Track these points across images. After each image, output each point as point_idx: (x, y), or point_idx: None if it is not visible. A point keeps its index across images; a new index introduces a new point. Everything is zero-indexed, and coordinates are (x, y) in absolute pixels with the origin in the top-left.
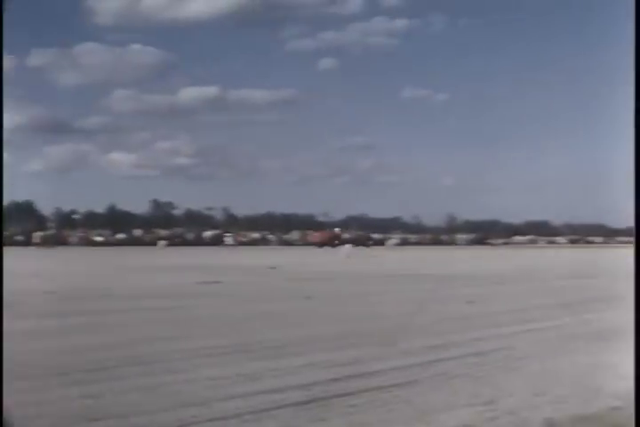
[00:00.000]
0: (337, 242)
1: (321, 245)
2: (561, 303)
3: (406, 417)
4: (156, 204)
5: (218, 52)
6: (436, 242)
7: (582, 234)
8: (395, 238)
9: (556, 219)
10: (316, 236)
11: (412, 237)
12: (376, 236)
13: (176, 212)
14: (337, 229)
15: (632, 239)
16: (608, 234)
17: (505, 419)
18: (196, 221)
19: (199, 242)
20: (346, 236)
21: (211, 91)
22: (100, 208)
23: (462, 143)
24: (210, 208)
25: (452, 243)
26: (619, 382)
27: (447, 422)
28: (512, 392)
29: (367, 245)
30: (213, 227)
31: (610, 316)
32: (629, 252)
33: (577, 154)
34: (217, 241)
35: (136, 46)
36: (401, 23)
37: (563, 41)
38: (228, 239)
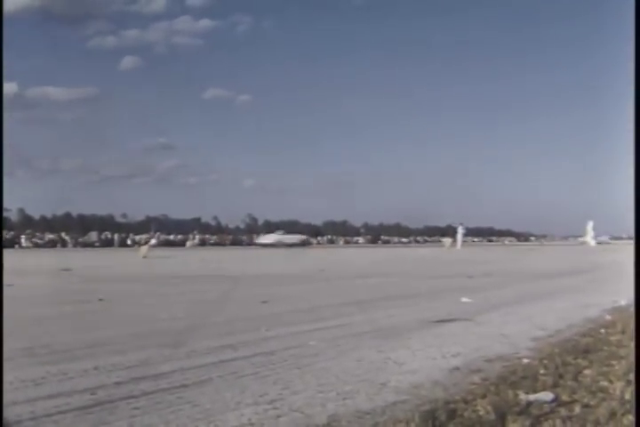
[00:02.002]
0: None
1: None
2: (352, 302)
3: (190, 418)
4: None
5: (18, 49)
6: (237, 243)
7: (380, 234)
8: (195, 239)
9: (355, 219)
10: None
11: (212, 238)
12: (174, 237)
13: None
14: None
15: (426, 238)
16: (403, 234)
17: (289, 416)
18: None
19: None
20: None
21: (9, 87)
22: None
23: (264, 144)
24: (5, 209)
25: (251, 243)
26: (402, 377)
27: (231, 422)
28: (298, 390)
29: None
30: (8, 228)
31: (399, 312)
32: (422, 251)
33: (381, 158)
34: (11, 243)
35: None
36: (205, 23)
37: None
38: (24, 241)
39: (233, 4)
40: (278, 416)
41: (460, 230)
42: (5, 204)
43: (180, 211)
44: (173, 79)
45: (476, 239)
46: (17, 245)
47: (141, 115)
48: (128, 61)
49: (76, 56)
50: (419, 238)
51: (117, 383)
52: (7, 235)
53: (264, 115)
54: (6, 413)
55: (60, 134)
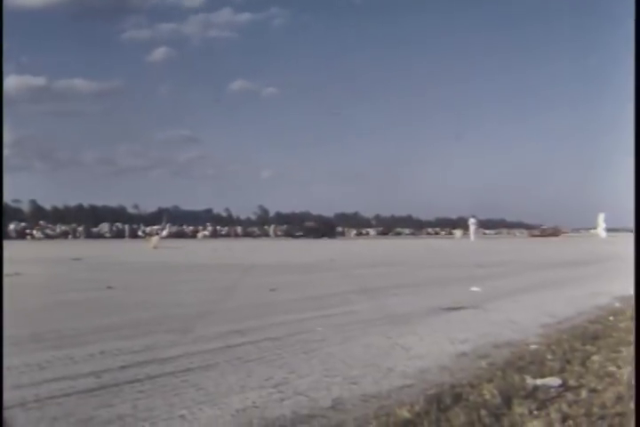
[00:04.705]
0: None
1: None
2: (359, 290)
3: (194, 401)
4: None
5: (50, 42)
6: (247, 234)
7: (391, 226)
8: (206, 231)
9: (367, 211)
10: None
11: (224, 230)
12: (185, 228)
13: None
14: None
15: (437, 230)
16: (415, 226)
17: (293, 399)
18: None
19: (4, 236)
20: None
21: (36, 80)
22: None
23: (285, 137)
24: (16, 200)
25: (262, 235)
26: (409, 362)
27: (235, 405)
28: (304, 375)
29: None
30: (20, 220)
31: (406, 300)
32: (436, 242)
33: (394, 150)
34: (23, 234)
35: None
36: (244, 17)
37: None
38: (35, 232)
39: None
40: (282, 399)
41: (472, 222)
42: (18, 195)
43: (193, 202)
44: (202, 72)
45: (487, 231)
46: (29, 237)
47: (166, 107)
48: (159, 54)
49: (108, 49)
50: (430, 230)
51: (123, 367)
52: (18, 226)
53: (289, 107)
54: (8, 395)
55: (82, 127)
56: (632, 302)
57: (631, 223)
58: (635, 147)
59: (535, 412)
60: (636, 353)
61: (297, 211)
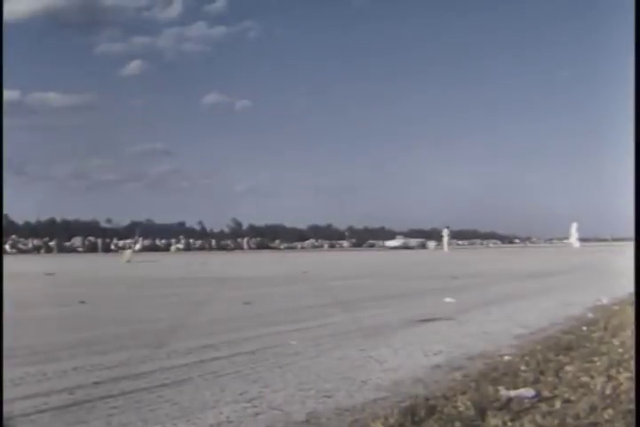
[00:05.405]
0: None
1: None
2: (334, 303)
3: (169, 416)
4: None
5: (22, 56)
6: (221, 247)
7: (365, 237)
8: (179, 244)
9: (340, 223)
10: None
11: (197, 243)
12: (159, 241)
13: None
14: None
15: (411, 241)
16: (388, 237)
17: (268, 414)
18: None
19: None
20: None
21: (10, 95)
22: None
23: (258, 149)
24: None
25: (236, 248)
26: (383, 375)
27: (209, 420)
28: (278, 388)
29: None
30: None
31: (380, 312)
32: (409, 253)
33: (366, 162)
34: None
35: None
36: (218, 30)
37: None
38: (8, 247)
39: (248, 11)
40: (257, 414)
41: (446, 233)
42: None
43: (166, 216)
44: (176, 86)
45: (460, 242)
46: None
47: (140, 121)
48: (133, 68)
49: (82, 63)
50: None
51: (97, 383)
52: None
53: (262, 120)
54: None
55: (56, 141)
56: (604, 312)
57: (602, 233)
58: (635, 149)
59: (509, 423)
60: (637, 352)
61: (270, 223)
